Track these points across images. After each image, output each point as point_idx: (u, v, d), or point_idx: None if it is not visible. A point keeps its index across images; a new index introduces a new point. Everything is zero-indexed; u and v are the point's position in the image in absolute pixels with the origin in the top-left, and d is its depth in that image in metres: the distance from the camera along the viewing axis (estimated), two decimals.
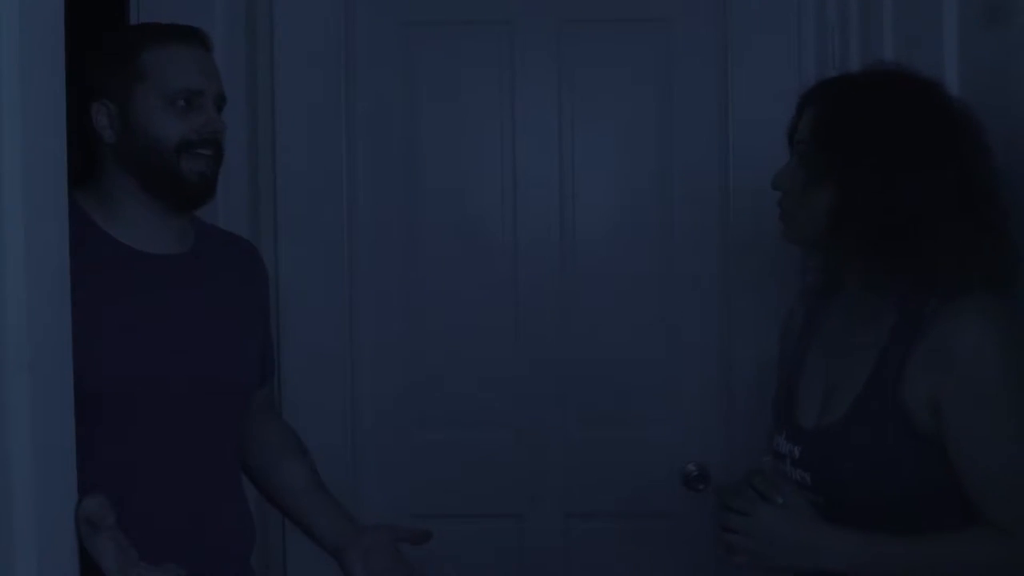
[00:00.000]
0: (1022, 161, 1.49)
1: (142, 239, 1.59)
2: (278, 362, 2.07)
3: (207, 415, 1.60)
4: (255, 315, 1.75)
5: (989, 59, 1.62)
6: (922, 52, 1.79)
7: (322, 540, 1.72)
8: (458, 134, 2.38)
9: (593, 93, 2.36)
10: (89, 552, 1.10)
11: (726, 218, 2.31)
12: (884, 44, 1.95)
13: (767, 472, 1.45)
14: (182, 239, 1.64)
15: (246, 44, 2.21)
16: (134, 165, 1.58)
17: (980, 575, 1.36)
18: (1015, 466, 1.31)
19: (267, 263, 1.88)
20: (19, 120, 0.95)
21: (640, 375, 2.36)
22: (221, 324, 1.65)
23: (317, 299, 2.15)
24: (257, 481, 1.79)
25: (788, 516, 1.38)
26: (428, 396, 2.37)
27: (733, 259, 2.30)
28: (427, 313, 2.36)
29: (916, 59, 1.83)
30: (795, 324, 1.61)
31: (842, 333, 1.49)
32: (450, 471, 2.37)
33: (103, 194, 1.60)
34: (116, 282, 1.55)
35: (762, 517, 1.37)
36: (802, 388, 1.52)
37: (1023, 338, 1.33)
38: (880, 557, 1.35)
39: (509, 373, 2.36)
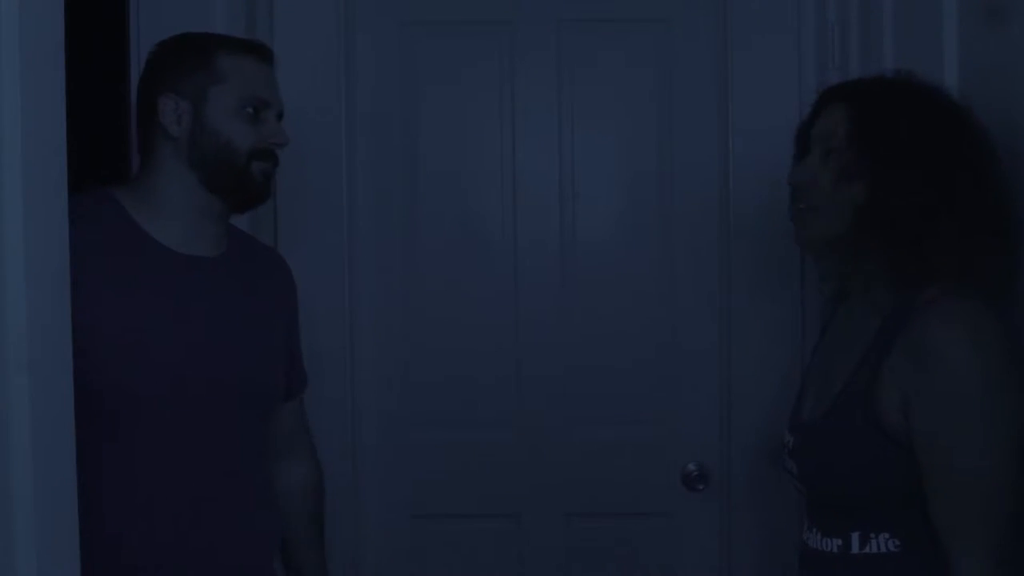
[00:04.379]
0: (1022, 161, 1.50)
1: (180, 240, 1.60)
2: None
3: (231, 419, 1.61)
4: (283, 325, 1.76)
5: (989, 59, 1.62)
6: (922, 52, 1.79)
7: None
8: (458, 134, 2.38)
9: (593, 93, 2.36)
10: None
11: (726, 218, 2.31)
12: (884, 44, 1.95)
13: None
14: (219, 242, 1.66)
15: None
16: (199, 162, 1.59)
17: None
18: (973, 477, 1.31)
19: None
20: (19, 120, 0.95)
21: (640, 375, 2.36)
22: (252, 328, 1.66)
23: (317, 299, 2.15)
24: None
25: None
26: (428, 396, 2.37)
27: (733, 259, 2.30)
28: (427, 313, 2.36)
29: (916, 59, 1.83)
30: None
31: (842, 333, 1.52)
32: (450, 471, 2.37)
33: (152, 190, 1.61)
34: (150, 281, 1.56)
35: None
36: (808, 384, 1.56)
37: (1000, 345, 1.32)
38: None
39: (509, 373, 2.36)
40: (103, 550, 1.40)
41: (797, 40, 2.27)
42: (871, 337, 1.41)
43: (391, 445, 2.38)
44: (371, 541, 2.36)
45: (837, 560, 1.41)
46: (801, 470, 1.48)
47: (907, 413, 1.33)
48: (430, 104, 2.37)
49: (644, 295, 2.36)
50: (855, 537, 1.39)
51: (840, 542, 1.40)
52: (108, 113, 2.31)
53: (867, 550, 1.38)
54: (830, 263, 1.54)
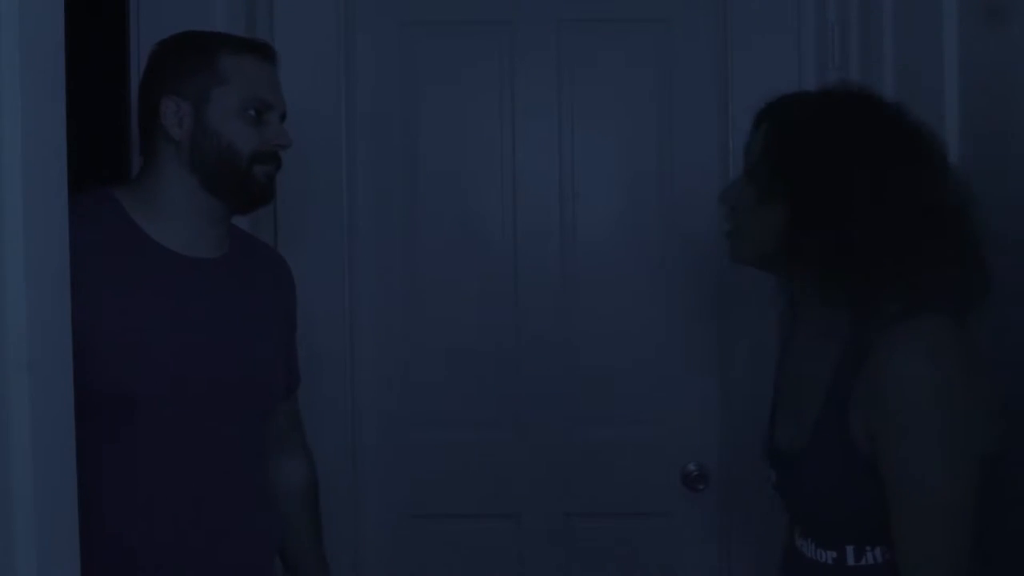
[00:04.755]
0: (1022, 161, 1.50)
1: (181, 241, 1.59)
2: None
3: (232, 419, 1.61)
4: (283, 323, 1.76)
5: (989, 59, 1.62)
6: (922, 52, 1.80)
7: None
8: (458, 134, 2.38)
9: (593, 93, 2.36)
10: None
11: None
12: (884, 44, 1.95)
13: None
14: (220, 243, 1.65)
15: None
16: (201, 164, 1.58)
17: None
18: (933, 505, 1.29)
19: None
20: (19, 120, 0.95)
21: (640, 375, 2.36)
22: (253, 328, 1.66)
23: (317, 299, 2.15)
24: None
25: None
26: (428, 396, 2.37)
27: None
28: (427, 313, 2.36)
29: (916, 59, 1.83)
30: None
31: (805, 355, 1.49)
32: (450, 471, 2.37)
33: (153, 192, 1.60)
34: (150, 283, 1.56)
35: None
36: (780, 409, 1.54)
37: (956, 371, 1.30)
38: None
39: (509, 373, 2.36)
40: (103, 550, 1.40)
41: (797, 40, 2.27)
42: (835, 362, 1.38)
43: (391, 445, 2.38)
44: (371, 541, 2.36)
45: (832, 571, 1.41)
46: (788, 502, 1.47)
47: (873, 439, 1.32)
48: (430, 104, 2.37)
49: (644, 295, 2.36)
50: (850, 551, 1.39)
51: (835, 555, 1.40)
52: (108, 113, 2.31)
53: (863, 562, 1.38)
54: (776, 280, 1.51)
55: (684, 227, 2.35)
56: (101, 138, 2.37)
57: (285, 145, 1.63)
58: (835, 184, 1.35)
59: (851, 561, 1.38)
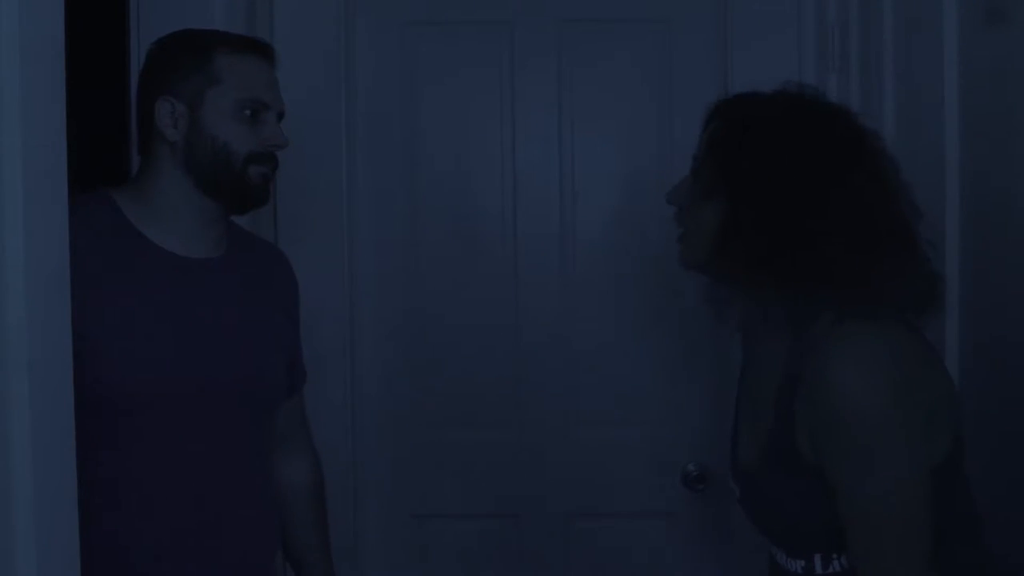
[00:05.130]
0: (1022, 161, 1.50)
1: (179, 242, 1.59)
2: None
3: (234, 419, 1.60)
4: (285, 321, 1.75)
5: (989, 59, 1.63)
6: (922, 52, 1.80)
7: None
8: (458, 134, 2.38)
9: (593, 93, 2.36)
10: None
11: None
12: (884, 44, 1.95)
13: None
14: (218, 244, 1.64)
15: None
16: (196, 166, 1.57)
17: None
18: (877, 511, 1.27)
19: None
20: (19, 120, 0.95)
21: (640, 375, 2.36)
22: (252, 328, 1.65)
23: (317, 299, 2.14)
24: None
25: None
26: (428, 396, 2.37)
27: None
28: (427, 313, 2.37)
29: (916, 59, 1.83)
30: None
31: (759, 368, 1.48)
32: (450, 471, 2.37)
33: (149, 193, 1.59)
34: (148, 284, 1.55)
35: None
36: (740, 422, 1.53)
37: (890, 379, 1.27)
38: None
39: (509, 373, 2.36)
40: (103, 550, 1.40)
41: (797, 40, 2.27)
42: (779, 376, 1.37)
43: (391, 445, 2.38)
44: (371, 541, 2.36)
45: None
46: (752, 517, 1.47)
47: (818, 452, 1.31)
48: (430, 104, 2.37)
49: (644, 295, 2.36)
50: (818, 559, 1.38)
51: (804, 563, 1.40)
52: (108, 113, 2.31)
53: (830, 570, 1.38)
54: (709, 287, 1.49)
55: None
56: (101, 138, 2.38)
57: (281, 145, 1.62)
58: (774, 185, 1.33)
59: (819, 569, 1.38)
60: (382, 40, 2.36)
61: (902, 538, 1.27)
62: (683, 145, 2.35)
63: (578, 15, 2.36)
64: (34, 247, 0.97)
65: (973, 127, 1.68)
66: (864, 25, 2.07)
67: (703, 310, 1.51)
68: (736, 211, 1.35)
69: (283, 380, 1.73)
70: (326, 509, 1.86)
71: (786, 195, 1.33)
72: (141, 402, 1.50)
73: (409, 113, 2.37)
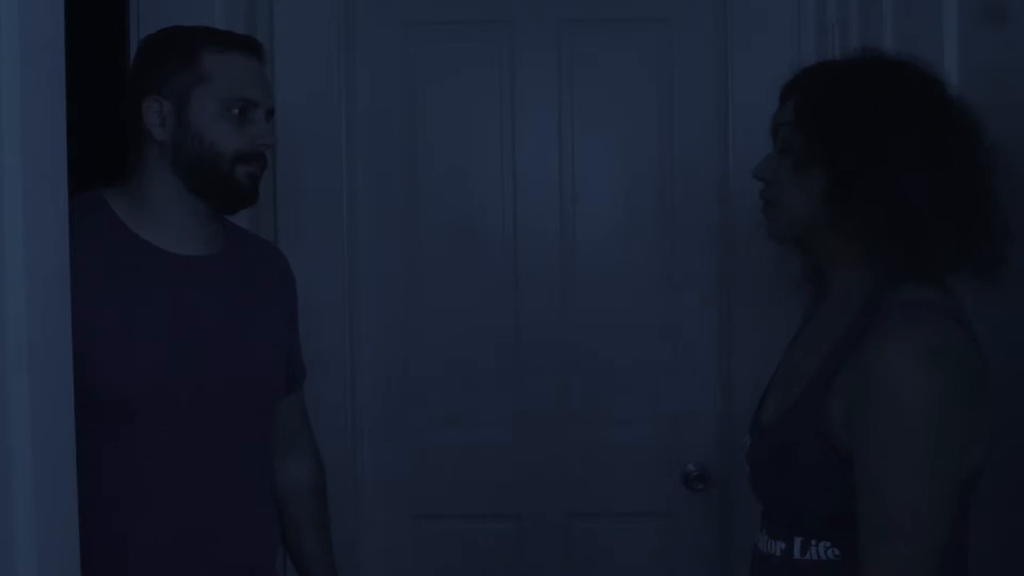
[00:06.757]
0: (1022, 161, 1.49)
1: (172, 240, 1.58)
2: None
3: (233, 417, 1.60)
4: (282, 319, 1.74)
5: (989, 59, 1.62)
6: (922, 52, 1.79)
7: None
8: (458, 134, 2.38)
9: (593, 93, 2.36)
10: None
11: (726, 218, 2.31)
12: (884, 44, 1.95)
13: None
14: (212, 241, 1.63)
15: None
16: (184, 166, 1.56)
17: None
18: (902, 510, 1.23)
19: None
20: (19, 120, 0.95)
21: (640, 375, 2.36)
22: (250, 325, 1.64)
23: (317, 299, 2.15)
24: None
25: None
26: (428, 396, 2.37)
27: (733, 259, 2.30)
28: (427, 313, 2.37)
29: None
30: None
31: (812, 338, 1.47)
32: (450, 471, 2.37)
33: (140, 192, 1.59)
34: (144, 283, 1.55)
35: None
36: (774, 384, 1.51)
37: (950, 381, 1.23)
38: None
39: (509, 373, 2.36)
40: (103, 550, 1.40)
41: (797, 40, 2.27)
42: (835, 343, 1.35)
43: (391, 445, 2.38)
44: (371, 541, 2.37)
45: (779, 564, 1.39)
46: (752, 473, 1.46)
47: (849, 429, 1.28)
48: (430, 104, 2.37)
49: (644, 295, 2.36)
50: (797, 542, 1.37)
51: (783, 546, 1.39)
52: (108, 112, 2.31)
53: (808, 556, 1.36)
54: (806, 259, 1.49)
55: (684, 227, 2.35)
56: (100, 138, 2.37)
57: (269, 144, 1.61)
58: (873, 146, 1.32)
59: (797, 555, 1.37)
60: (382, 40, 2.36)
61: (919, 545, 1.24)
62: (683, 145, 2.37)
63: (578, 15, 2.36)
64: (34, 247, 0.97)
65: None
66: (864, 25, 2.07)
67: (778, 281, 1.52)
68: (840, 177, 1.34)
69: (281, 377, 1.72)
70: (328, 510, 1.86)
71: (885, 157, 1.32)
72: (139, 401, 1.50)
73: (409, 113, 2.37)
